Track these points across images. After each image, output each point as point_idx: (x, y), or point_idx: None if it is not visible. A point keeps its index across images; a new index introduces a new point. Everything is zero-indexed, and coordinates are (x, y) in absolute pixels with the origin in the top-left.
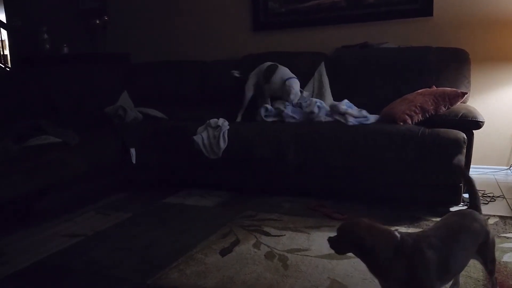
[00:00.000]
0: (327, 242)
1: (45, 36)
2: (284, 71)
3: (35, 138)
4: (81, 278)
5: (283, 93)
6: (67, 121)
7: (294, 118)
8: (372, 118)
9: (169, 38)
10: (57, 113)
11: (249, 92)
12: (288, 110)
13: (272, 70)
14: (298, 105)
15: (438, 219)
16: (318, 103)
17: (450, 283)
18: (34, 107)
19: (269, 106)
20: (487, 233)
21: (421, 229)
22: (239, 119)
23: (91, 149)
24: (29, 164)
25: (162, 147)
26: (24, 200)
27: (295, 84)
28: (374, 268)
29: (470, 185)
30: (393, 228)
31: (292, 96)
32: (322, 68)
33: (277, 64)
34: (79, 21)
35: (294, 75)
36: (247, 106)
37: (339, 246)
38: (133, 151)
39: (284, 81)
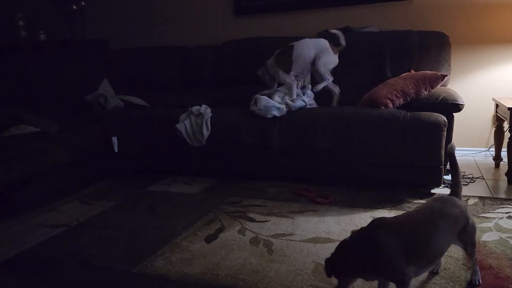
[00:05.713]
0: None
1: (21, 23)
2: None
3: (13, 127)
4: (66, 268)
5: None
6: (47, 109)
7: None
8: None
9: (149, 24)
10: (36, 102)
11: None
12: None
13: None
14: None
15: (420, 200)
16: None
17: None
18: (13, 95)
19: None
20: (466, 218)
21: (403, 211)
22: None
23: (73, 138)
24: (10, 154)
25: (144, 135)
26: (6, 191)
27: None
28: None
29: (455, 174)
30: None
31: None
32: None
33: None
34: (56, 7)
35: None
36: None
37: None
38: (115, 139)
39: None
